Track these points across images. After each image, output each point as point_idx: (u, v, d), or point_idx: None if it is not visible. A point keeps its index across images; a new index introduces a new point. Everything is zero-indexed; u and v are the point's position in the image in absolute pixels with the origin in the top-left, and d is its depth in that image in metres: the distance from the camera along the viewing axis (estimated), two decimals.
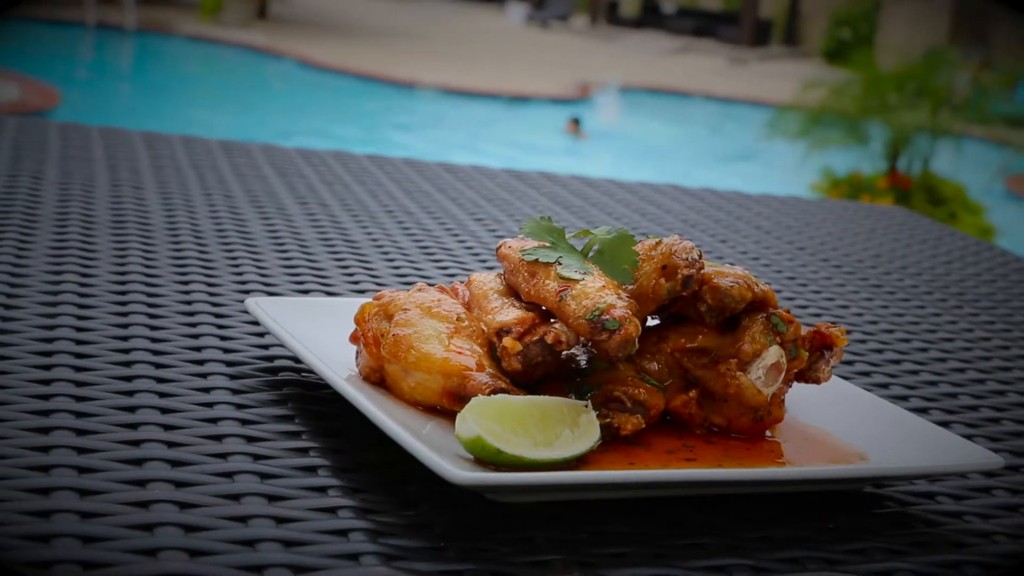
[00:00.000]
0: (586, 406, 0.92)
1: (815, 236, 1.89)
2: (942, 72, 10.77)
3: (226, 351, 1.11)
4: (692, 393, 0.98)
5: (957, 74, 10.96)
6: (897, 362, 1.31)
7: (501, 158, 10.97)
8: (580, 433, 0.90)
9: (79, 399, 0.96)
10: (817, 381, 1.01)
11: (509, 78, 16.41)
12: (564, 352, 0.96)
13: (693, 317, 1.00)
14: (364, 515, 0.84)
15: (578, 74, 17.26)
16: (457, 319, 0.98)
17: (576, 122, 13.38)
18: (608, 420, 0.93)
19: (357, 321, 1.01)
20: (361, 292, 1.33)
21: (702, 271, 0.98)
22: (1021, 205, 12.46)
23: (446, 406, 0.95)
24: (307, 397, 1.03)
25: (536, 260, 0.98)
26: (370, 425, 0.97)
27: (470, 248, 1.56)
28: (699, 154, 13.70)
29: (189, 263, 1.34)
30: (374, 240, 1.53)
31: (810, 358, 1.01)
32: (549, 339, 0.93)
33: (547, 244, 1.00)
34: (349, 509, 0.85)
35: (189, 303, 1.22)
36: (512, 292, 1.02)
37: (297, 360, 1.11)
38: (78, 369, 1.02)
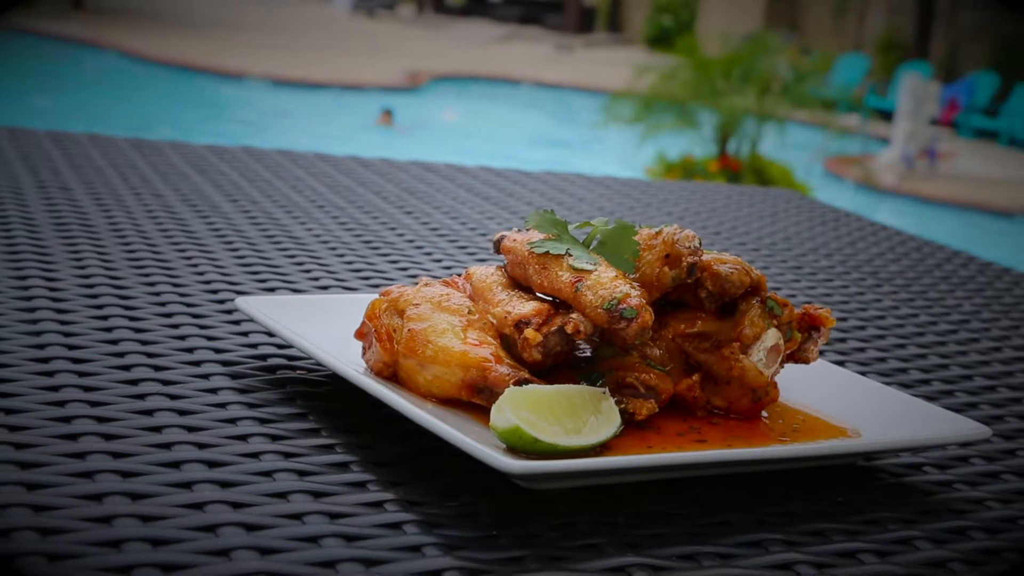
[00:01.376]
0: (605, 393, 0.95)
1: (724, 220, 1.95)
2: (764, 58, 11.08)
3: (217, 351, 1.11)
4: (695, 377, 1.02)
5: (778, 59, 11.29)
6: (842, 340, 1.37)
7: (321, 148, 10.89)
8: (603, 419, 0.93)
9: (93, 404, 0.96)
10: (806, 361, 1.06)
11: (339, 68, 16.30)
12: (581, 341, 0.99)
13: (691, 303, 1.04)
14: (410, 507, 0.86)
15: (407, 62, 17.24)
16: (468, 312, 1.00)
17: (389, 113, 13.24)
18: (623, 406, 0.96)
19: (369, 317, 1.02)
20: (324, 288, 1.34)
21: (702, 258, 1.01)
22: (839, 184, 12.88)
23: (464, 398, 0.97)
24: (312, 394, 1.04)
25: (547, 252, 1.00)
26: (385, 419, 0.99)
27: (412, 241, 1.57)
28: (531, 141, 13.80)
29: (147, 264, 1.33)
30: (316, 236, 1.54)
31: (800, 339, 1.05)
32: (569, 329, 0.96)
33: (553, 236, 1.02)
34: (394, 503, 0.87)
35: (164, 304, 1.21)
36: (517, 284, 1.04)
37: (291, 358, 1.11)
38: (81, 374, 1.01)
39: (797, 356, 1.06)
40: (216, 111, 13.49)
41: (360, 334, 1.04)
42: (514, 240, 1.04)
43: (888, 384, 1.23)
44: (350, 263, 1.44)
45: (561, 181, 2.11)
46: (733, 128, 10.53)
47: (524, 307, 0.98)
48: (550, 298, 1.01)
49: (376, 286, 1.36)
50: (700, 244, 1.01)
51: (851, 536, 0.89)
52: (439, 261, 1.50)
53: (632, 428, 0.97)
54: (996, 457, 1.08)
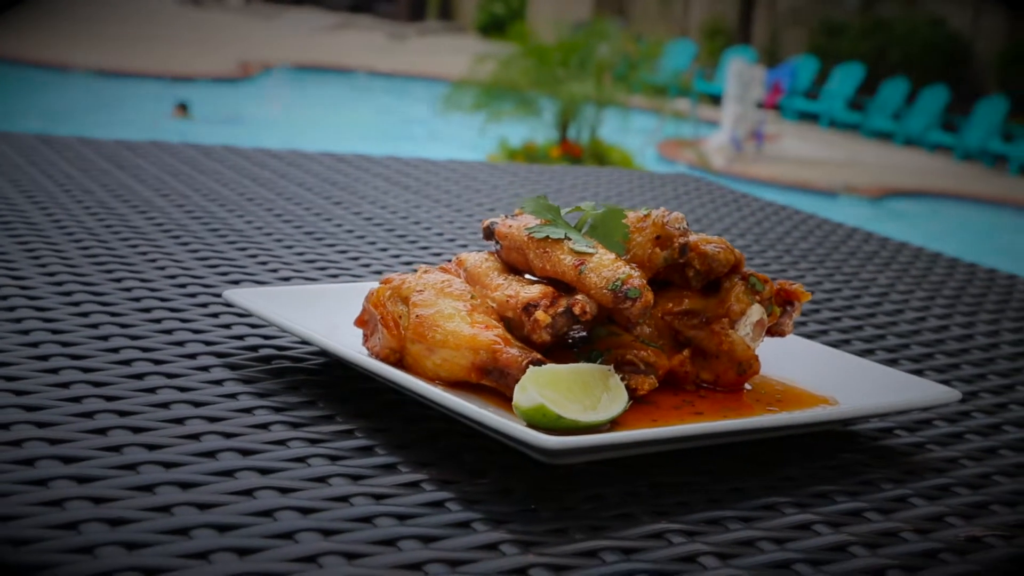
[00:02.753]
0: (610, 371, 0.99)
1: (635, 205, 2.01)
2: (600, 45, 11.25)
3: (207, 344, 1.12)
4: (685, 352, 1.07)
5: (613, 46, 11.48)
6: None
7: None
8: (613, 395, 0.97)
9: (109, 399, 0.97)
10: (782, 334, 1.12)
11: (167, 59, 16.01)
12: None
13: (675, 282, 1.09)
14: (445, 486, 0.89)
15: (239, 53, 17.01)
16: (471, 297, 1.04)
17: (183, 107, 12.88)
18: (625, 382, 1.01)
19: (374, 305, 1.04)
20: (286, 279, 1.35)
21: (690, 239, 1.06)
22: (672, 167, 13.15)
23: (473, 380, 1.00)
24: (314, 382, 1.06)
25: (547, 237, 1.04)
26: (393, 403, 1.01)
27: (352, 231, 1.59)
28: (369, 130, 13.75)
29: (107, 262, 1.32)
30: (259, 229, 1.54)
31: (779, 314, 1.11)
32: (576, 310, 1.00)
33: (549, 221, 1.06)
34: (429, 482, 0.89)
35: (138, 300, 1.21)
36: (511, 268, 1.08)
37: (281, 347, 1.13)
38: (85, 370, 1.02)
39: (773, 330, 1.11)
40: (39, 104, 13.12)
41: (361, 322, 1.06)
42: (509, 226, 1.08)
43: None
44: (301, 254, 1.46)
45: (469, 169, 2.14)
46: (573, 114, 10.67)
47: (531, 290, 1.02)
48: (548, 281, 1.05)
49: (335, 276, 1.38)
50: (687, 225, 1.06)
51: (853, 496, 0.95)
52: (385, 250, 1.52)
53: (634, 403, 1.01)
54: (955, 419, 1.15)
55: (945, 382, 1.25)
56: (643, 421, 0.99)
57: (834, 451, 1.04)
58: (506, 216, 1.11)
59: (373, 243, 1.54)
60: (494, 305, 1.04)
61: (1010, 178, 14.37)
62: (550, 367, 0.95)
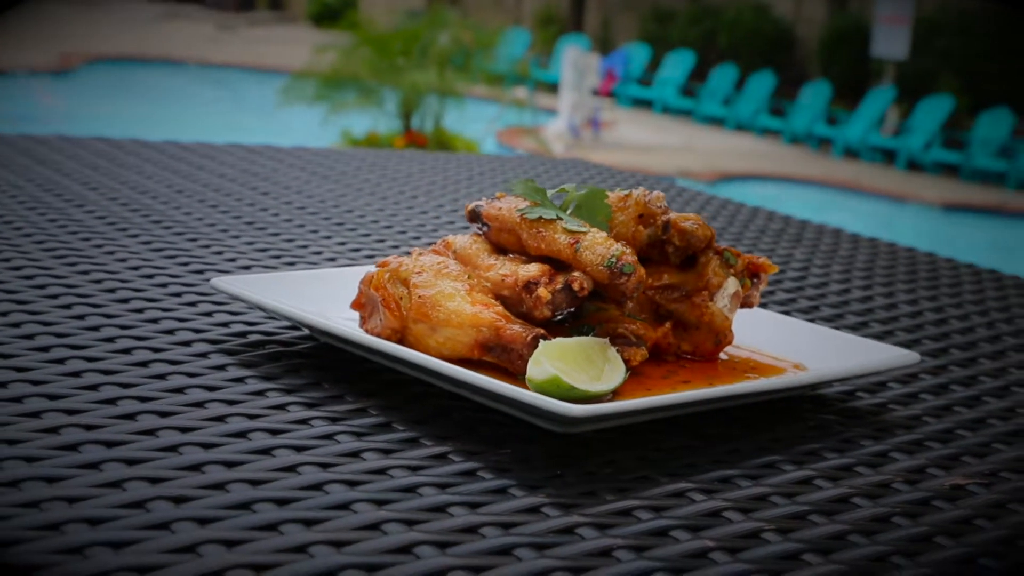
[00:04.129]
0: (606, 343, 1.04)
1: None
2: (439, 34, 11.28)
3: (197, 331, 1.13)
4: (667, 325, 1.12)
5: (452, 35, 11.52)
6: None
7: None
8: (613, 366, 1.02)
9: (124, 385, 0.98)
10: (751, 306, 1.18)
11: None
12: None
13: (654, 258, 1.14)
14: (471, 457, 0.93)
15: (58, 44, 16.58)
16: (468, 278, 1.07)
17: None
18: (619, 354, 1.06)
19: (375, 287, 1.07)
20: (246, 268, 1.37)
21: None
22: (512, 155, 13.24)
23: (475, 357, 1.04)
24: (312, 365, 1.08)
25: (540, 218, 1.08)
26: (398, 382, 1.05)
27: (290, 220, 1.61)
28: (208, 124, 13.55)
29: (72, 260, 1.32)
30: (204, 222, 1.55)
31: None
32: (575, 286, 1.04)
33: (538, 203, 1.10)
34: (456, 453, 0.93)
35: (113, 291, 1.22)
36: (499, 249, 1.12)
37: (269, 333, 1.15)
38: (91, 358, 1.02)
39: (743, 302, 1.17)
40: None
41: (358, 304, 1.09)
42: (498, 208, 1.12)
43: None
44: (251, 243, 1.47)
45: (400, 159, 2.16)
46: (416, 104, 10.69)
47: (529, 269, 1.06)
48: (541, 259, 1.09)
49: (291, 264, 1.40)
50: (667, 204, 1.12)
51: (840, 453, 1.02)
52: (329, 238, 1.54)
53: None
54: (906, 381, 1.23)
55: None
56: (638, 391, 1.04)
57: (809, 413, 1.10)
58: (488, 199, 1.15)
59: (315, 231, 1.57)
60: (488, 284, 1.08)
61: (835, 160, 14.84)
62: (559, 340, 1.00)
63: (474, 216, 1.14)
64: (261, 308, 1.11)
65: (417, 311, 1.05)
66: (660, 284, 1.13)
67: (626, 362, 1.06)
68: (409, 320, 1.05)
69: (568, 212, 1.11)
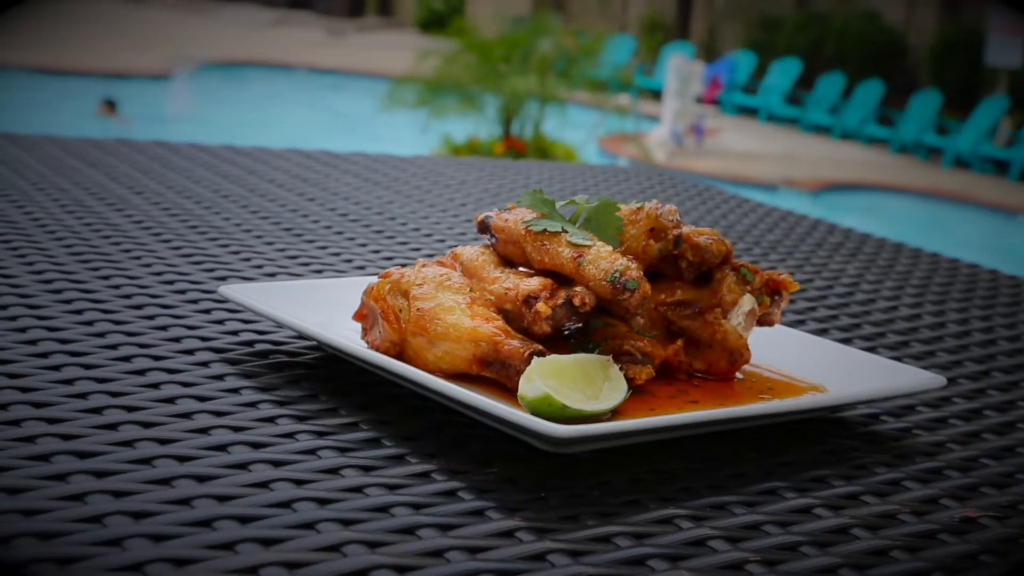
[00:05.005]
0: (609, 361, 1.01)
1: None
2: (542, 40, 11.28)
3: (203, 339, 1.12)
4: (679, 342, 1.08)
5: (554, 41, 11.51)
6: None
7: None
8: (613, 385, 0.99)
9: (114, 394, 0.97)
10: (771, 324, 1.14)
11: (106, 56, 15.86)
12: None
13: (668, 274, 1.10)
14: (455, 476, 0.90)
15: (176, 49, 16.89)
16: (470, 290, 1.05)
17: (111, 104, 12.61)
18: (623, 372, 1.03)
19: (374, 299, 1.05)
20: (271, 275, 1.36)
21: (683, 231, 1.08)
22: (613, 162, 13.22)
23: (474, 372, 1.01)
24: (314, 376, 1.07)
25: (544, 230, 1.05)
26: (395, 396, 1.03)
27: (330, 227, 1.60)
28: (313, 127, 13.70)
29: (92, 260, 1.32)
30: (238, 225, 1.55)
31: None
32: (576, 301, 1.02)
33: (545, 215, 1.08)
34: (439, 472, 0.91)
35: (129, 297, 1.22)
36: (507, 261, 1.09)
37: (276, 342, 1.14)
38: (86, 366, 1.02)
39: (762, 319, 1.13)
40: None
41: (360, 316, 1.07)
42: (505, 220, 1.09)
43: None
44: (282, 250, 1.46)
45: (435, 164, 2.15)
46: (516, 109, 10.69)
47: (531, 282, 1.03)
48: (545, 273, 1.06)
49: (319, 272, 1.39)
50: (680, 217, 1.08)
51: (849, 481, 0.98)
52: (365, 245, 1.53)
53: (632, 393, 1.03)
54: (937, 405, 1.18)
55: (924, 369, 1.28)
56: (642, 410, 1.01)
57: (826, 437, 1.06)
58: (500, 210, 1.12)
59: (352, 239, 1.55)
60: (491, 298, 1.05)
61: (944, 170, 14.56)
62: (554, 357, 0.97)
63: (483, 227, 1.12)
64: (264, 318, 1.10)
65: (415, 324, 1.02)
66: (673, 300, 1.09)
67: (631, 380, 1.03)
68: (407, 333, 1.03)
69: (578, 225, 1.08)
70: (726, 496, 0.92)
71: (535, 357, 0.97)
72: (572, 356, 0.99)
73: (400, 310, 1.04)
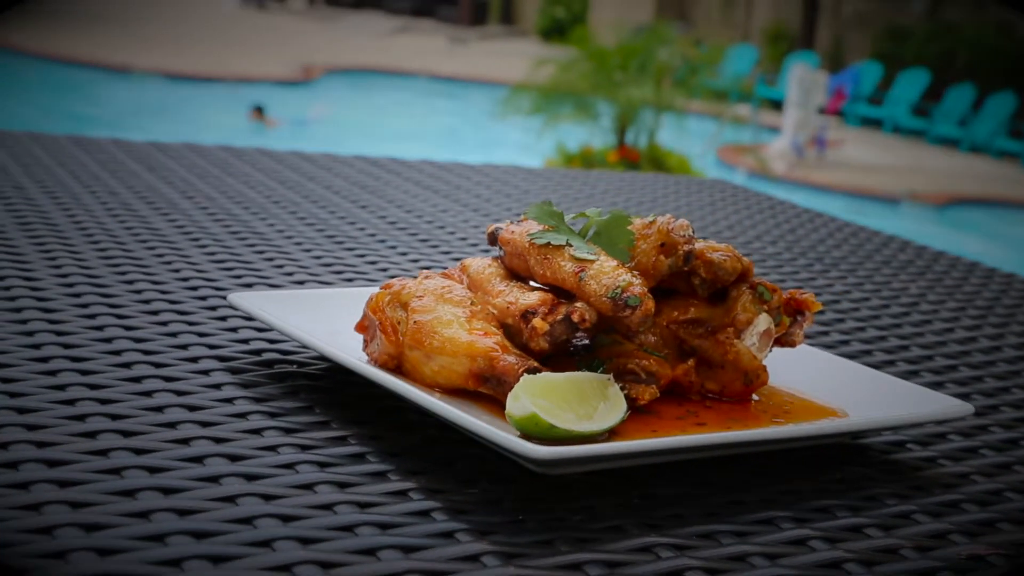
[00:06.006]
0: (609, 380, 0.97)
1: (666, 210, 1.99)
2: (660, 49, 11.21)
3: (211, 347, 1.11)
4: (690, 362, 1.05)
5: (672, 50, 11.43)
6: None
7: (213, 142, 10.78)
8: (611, 405, 0.96)
9: (103, 401, 0.96)
10: (792, 345, 1.10)
11: (229, 61, 16.14)
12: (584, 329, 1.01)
13: (682, 290, 1.07)
14: (434, 495, 0.88)
15: (300, 56, 17.12)
16: (471, 304, 1.02)
17: (260, 110, 13.03)
18: (625, 391, 0.99)
19: (372, 310, 1.03)
20: (300, 283, 1.34)
21: (695, 246, 1.04)
22: (732, 173, 13.08)
23: (471, 387, 0.99)
24: (314, 387, 1.05)
25: (548, 243, 1.02)
26: (391, 409, 1.00)
27: (374, 235, 1.58)
28: (432, 133, 13.79)
29: (122, 264, 1.32)
30: (280, 232, 1.54)
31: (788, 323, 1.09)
32: (575, 318, 0.98)
33: (552, 227, 1.05)
34: (417, 491, 0.88)
35: (148, 302, 1.21)
36: (514, 275, 1.06)
37: (285, 352, 1.12)
38: (84, 372, 1.01)
39: (783, 340, 1.09)
40: (102, 106, 13.28)
41: (361, 327, 1.05)
42: (512, 232, 1.06)
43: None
44: (319, 258, 1.45)
45: (502, 173, 2.13)
46: (631, 119, 10.64)
47: (529, 297, 1.00)
48: (549, 288, 1.03)
49: (351, 280, 1.37)
50: (693, 233, 1.04)
51: (855, 512, 0.93)
52: (405, 254, 1.51)
53: (634, 413, 0.99)
54: (971, 433, 1.12)
55: (965, 395, 1.22)
56: (643, 431, 0.97)
57: (841, 464, 1.02)
58: (511, 221, 1.10)
59: (394, 247, 1.54)
60: (495, 311, 1.03)
61: None
62: (545, 375, 0.94)
63: (493, 239, 1.09)
64: (268, 326, 1.09)
65: (411, 337, 1.00)
66: (685, 318, 1.05)
67: (633, 400, 0.99)
68: (404, 346, 1.01)
69: (587, 238, 1.05)
70: (718, 525, 0.88)
71: (525, 374, 0.94)
72: (566, 374, 0.96)
73: (399, 322, 1.02)
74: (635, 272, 1.01)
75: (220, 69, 15.43)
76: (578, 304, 0.99)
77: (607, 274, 0.99)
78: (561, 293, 1.02)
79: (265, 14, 23.46)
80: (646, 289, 0.98)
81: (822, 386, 1.10)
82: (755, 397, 1.08)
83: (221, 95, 14.56)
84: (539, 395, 0.92)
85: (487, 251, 1.57)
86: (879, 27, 18.96)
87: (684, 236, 1.03)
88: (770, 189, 12.88)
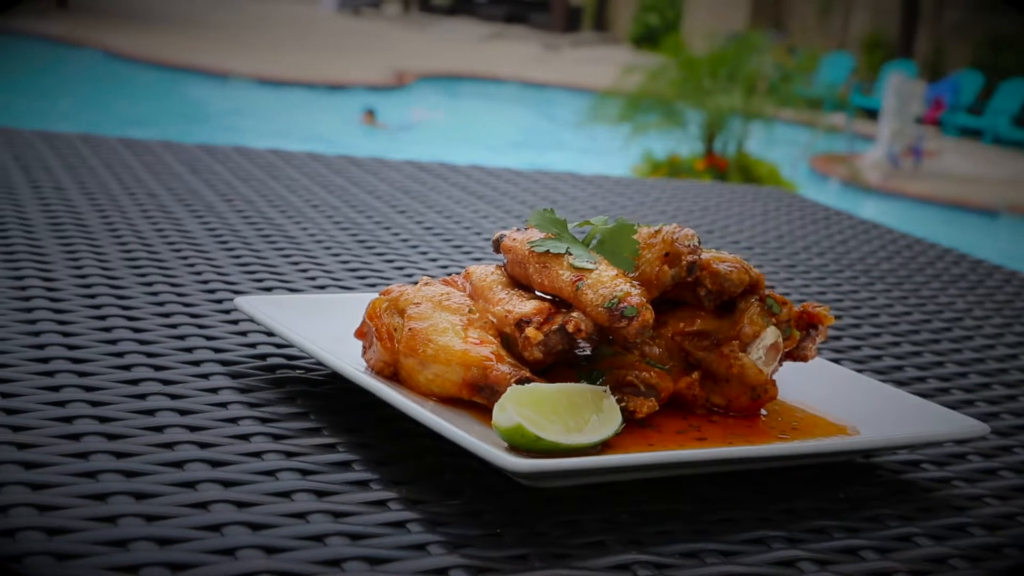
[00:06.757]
0: (606, 392, 0.95)
1: (717, 219, 1.95)
2: (751, 57, 11.11)
3: (217, 351, 1.11)
4: (694, 375, 1.02)
5: (764, 58, 11.32)
6: (837, 338, 1.38)
7: (307, 148, 10.90)
8: (604, 417, 0.93)
9: (95, 403, 0.96)
10: (805, 359, 1.06)
11: (323, 66, 16.29)
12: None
13: (690, 301, 1.04)
14: (413, 506, 0.86)
15: (393, 61, 17.23)
16: (469, 311, 1.01)
17: (371, 113, 13.28)
18: (623, 404, 0.97)
19: (369, 316, 1.02)
20: (322, 288, 1.34)
21: (701, 257, 1.02)
22: (824, 183, 12.92)
23: (465, 397, 0.97)
24: (312, 393, 1.04)
25: (547, 251, 1.00)
26: (386, 418, 0.99)
27: (406, 240, 1.57)
28: (519, 140, 13.81)
29: (144, 265, 1.33)
30: (312, 236, 1.54)
31: (799, 337, 1.06)
32: (570, 328, 0.96)
33: (553, 235, 1.03)
34: (397, 501, 0.87)
35: (162, 304, 1.21)
36: (516, 283, 1.04)
37: (290, 357, 1.11)
38: (82, 374, 1.01)
39: (795, 354, 1.06)
40: (200, 110, 13.47)
41: (360, 333, 1.04)
42: (514, 239, 1.05)
43: (884, 382, 1.24)
44: (346, 263, 1.44)
45: (553, 180, 2.11)
46: (719, 127, 10.56)
47: (525, 306, 0.98)
48: (550, 297, 1.02)
49: (373, 285, 1.36)
50: (699, 243, 1.02)
51: (852, 533, 0.90)
52: (435, 260, 1.50)
53: (633, 426, 0.97)
54: (993, 454, 1.08)
55: (994, 414, 1.18)
56: (639, 445, 0.95)
57: (849, 483, 0.99)
58: (518, 228, 1.08)
59: (424, 253, 1.52)
60: (494, 320, 1.01)
61: None
62: (534, 386, 0.92)
63: (497, 246, 1.08)
64: (269, 331, 1.08)
65: (407, 345, 0.99)
66: (691, 330, 1.03)
67: (631, 413, 0.97)
68: (400, 354, 0.99)
69: (591, 247, 1.03)
70: (705, 543, 0.86)
71: (514, 385, 0.92)
72: (558, 385, 0.93)
73: (395, 329, 1.01)
74: (634, 282, 0.98)
75: (314, 74, 15.57)
76: (574, 314, 0.97)
77: (604, 284, 0.97)
78: (562, 303, 1.00)
79: (360, 20, 23.65)
80: (645, 300, 0.96)
81: (836, 402, 1.06)
82: (764, 412, 1.05)
83: (314, 100, 14.70)
84: (526, 406, 0.90)
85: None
86: (980, 36, 18.63)
87: (689, 246, 1.01)
88: (864, 199, 12.66)
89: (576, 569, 0.80)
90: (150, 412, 0.96)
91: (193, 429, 0.94)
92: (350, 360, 1.02)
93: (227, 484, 0.86)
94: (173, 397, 0.99)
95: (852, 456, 1.02)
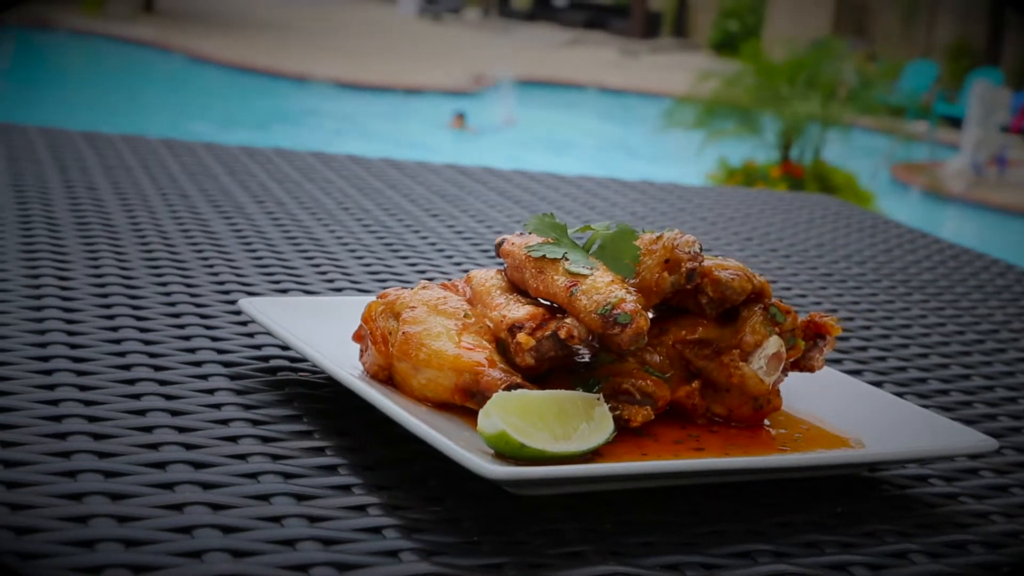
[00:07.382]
0: (598, 399, 0.93)
1: (758, 227, 1.93)
2: (830, 63, 10.99)
3: (220, 352, 1.10)
4: (695, 384, 1.00)
5: (844, 65, 11.19)
6: (863, 349, 1.35)
7: (390, 153, 10.96)
8: (595, 426, 0.92)
9: (87, 403, 0.96)
10: (811, 370, 1.04)
11: (403, 71, 16.37)
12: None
13: (692, 309, 1.02)
14: (393, 512, 0.85)
15: (472, 66, 17.28)
16: (464, 316, 0.99)
17: (461, 117, 13.42)
18: (618, 412, 0.95)
19: (364, 320, 1.01)
20: (339, 291, 1.33)
21: (702, 264, 1.00)
22: (905, 191, 12.76)
23: (458, 402, 0.96)
24: (310, 396, 1.03)
25: (543, 256, 0.99)
26: (379, 422, 0.98)
27: (433, 244, 1.56)
28: (596, 146, 13.79)
29: (163, 264, 1.33)
30: (338, 238, 1.53)
31: (804, 347, 1.03)
32: (562, 334, 0.95)
33: (552, 240, 1.01)
34: (377, 507, 0.86)
35: (173, 304, 1.21)
36: (515, 288, 1.03)
37: (293, 359, 1.11)
38: (80, 373, 1.01)
39: (802, 364, 1.04)
40: (282, 114, 13.59)
41: (357, 336, 1.03)
42: (513, 244, 1.04)
43: (905, 394, 1.21)
44: (368, 265, 1.44)
45: (596, 185, 2.09)
46: (796, 134, 10.45)
47: (518, 311, 0.97)
48: (547, 302, 1.00)
49: (387, 285, 1.35)
50: (701, 249, 1.00)
51: (845, 548, 0.87)
52: (459, 264, 1.49)
53: (628, 435, 0.96)
54: (1006, 470, 1.05)
55: (1016, 429, 1.15)
56: (633, 454, 0.94)
57: (850, 497, 0.96)
58: (519, 233, 1.07)
59: (449, 256, 1.52)
60: (490, 325, 1.00)
61: None
62: (522, 392, 0.91)
63: (498, 251, 1.06)
64: (268, 332, 1.07)
65: (400, 349, 0.98)
66: (692, 338, 1.01)
67: (626, 422, 0.95)
68: (394, 358, 0.98)
69: (591, 252, 1.01)
70: (689, 556, 0.84)
71: (502, 392, 0.91)
72: (548, 392, 0.92)
73: (390, 333, 1.00)
74: (631, 289, 0.97)
75: (392, 79, 15.66)
76: (567, 320, 0.96)
77: (599, 290, 0.95)
78: (559, 309, 0.99)
79: (440, 25, 23.74)
80: (640, 307, 0.94)
81: (843, 414, 1.04)
82: (767, 423, 1.02)
83: (393, 104, 14.79)
84: (512, 412, 0.88)
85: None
86: None
87: (689, 253, 0.99)
88: (946, 209, 12.46)
89: None
90: (141, 412, 0.96)
91: (182, 430, 0.93)
92: (348, 364, 1.02)
93: (206, 486, 0.85)
94: (168, 398, 0.99)
95: (853, 470, 0.99)
